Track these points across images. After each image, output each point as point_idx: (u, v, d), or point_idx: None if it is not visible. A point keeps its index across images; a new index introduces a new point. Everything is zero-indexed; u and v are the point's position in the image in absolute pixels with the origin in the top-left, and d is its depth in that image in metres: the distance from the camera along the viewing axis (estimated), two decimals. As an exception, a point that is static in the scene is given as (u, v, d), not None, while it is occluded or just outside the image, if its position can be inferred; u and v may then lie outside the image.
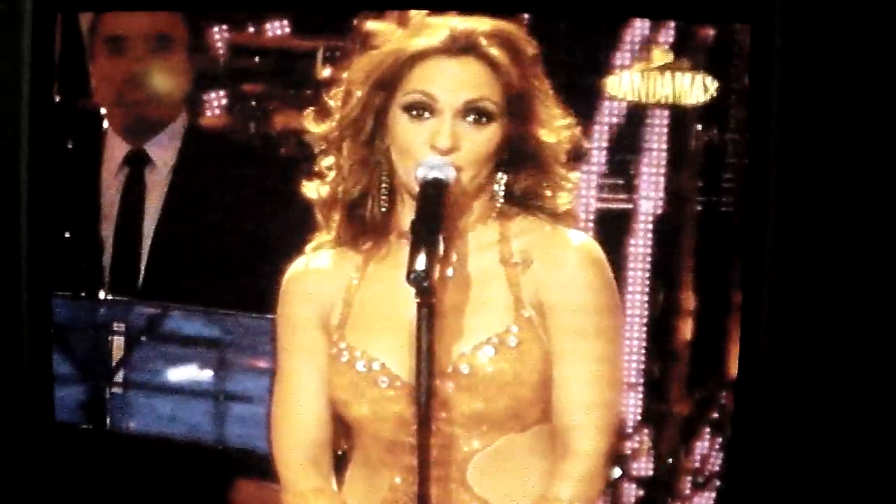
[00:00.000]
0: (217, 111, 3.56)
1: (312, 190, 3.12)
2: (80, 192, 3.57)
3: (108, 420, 3.57)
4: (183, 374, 3.52)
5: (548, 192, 3.06)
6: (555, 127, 3.05)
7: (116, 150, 3.60)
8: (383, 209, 3.05)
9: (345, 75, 3.08)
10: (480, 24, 3.01)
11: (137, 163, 3.60)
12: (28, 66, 3.36)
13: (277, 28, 3.49)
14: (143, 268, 3.57)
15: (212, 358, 3.50)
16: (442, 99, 2.98)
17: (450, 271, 3.04)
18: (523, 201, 3.06)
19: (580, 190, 3.16)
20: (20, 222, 3.39)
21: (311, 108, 3.11)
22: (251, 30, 3.51)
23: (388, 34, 3.03)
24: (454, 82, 2.98)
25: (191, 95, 3.56)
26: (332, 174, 3.08)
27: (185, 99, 3.56)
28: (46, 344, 3.45)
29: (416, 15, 3.05)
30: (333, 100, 3.08)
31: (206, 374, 3.51)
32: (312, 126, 3.10)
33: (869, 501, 3.32)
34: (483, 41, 2.99)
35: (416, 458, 2.89)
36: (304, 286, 3.12)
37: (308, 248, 3.14)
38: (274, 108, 3.49)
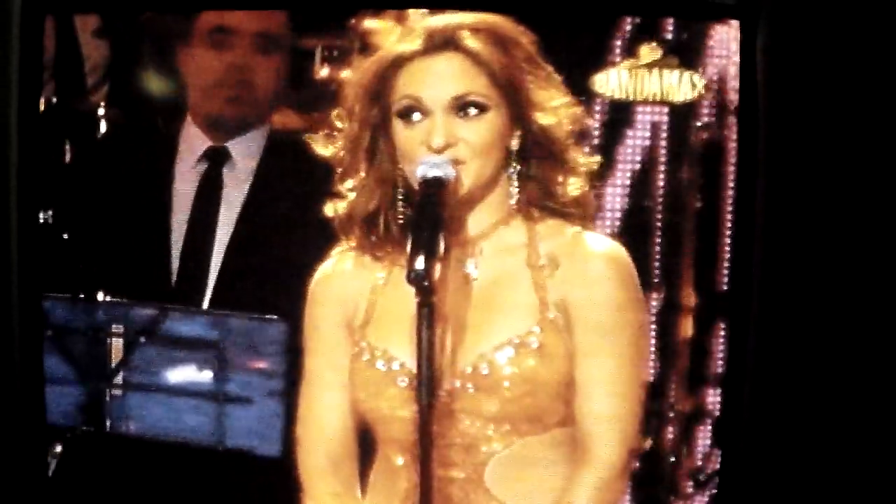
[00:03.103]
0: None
1: (330, 210, 3.12)
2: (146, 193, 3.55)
3: (107, 422, 3.56)
4: (182, 375, 3.51)
5: (559, 179, 3.06)
6: (550, 108, 3.05)
7: (196, 145, 3.54)
8: (401, 219, 3.06)
9: (343, 91, 3.09)
10: (458, 18, 3.01)
11: (217, 160, 3.55)
12: (17, 67, 3.36)
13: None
14: (211, 273, 3.53)
15: (211, 359, 3.49)
16: (428, 99, 2.98)
17: (473, 273, 3.04)
18: (541, 199, 3.05)
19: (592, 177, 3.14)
20: (10, 225, 3.38)
21: (320, 132, 3.11)
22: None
23: (385, 35, 3.04)
24: (437, 80, 2.98)
25: (282, 99, 3.50)
26: (351, 195, 3.08)
27: (277, 102, 3.50)
28: (37, 347, 3.44)
29: (411, 16, 3.05)
30: (339, 120, 3.09)
31: (206, 376, 3.50)
32: (321, 149, 3.10)
33: (864, 497, 3.33)
34: (461, 34, 2.99)
35: (419, 456, 2.90)
36: (329, 288, 3.13)
37: (334, 251, 3.15)
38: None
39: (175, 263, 3.52)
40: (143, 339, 3.51)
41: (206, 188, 3.53)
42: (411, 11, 3.04)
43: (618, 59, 3.37)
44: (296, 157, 3.36)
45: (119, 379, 3.53)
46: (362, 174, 3.07)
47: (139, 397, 3.52)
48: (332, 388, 3.10)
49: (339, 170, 3.10)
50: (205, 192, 3.53)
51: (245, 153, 3.52)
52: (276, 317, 3.36)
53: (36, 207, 3.44)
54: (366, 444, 3.15)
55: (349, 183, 3.09)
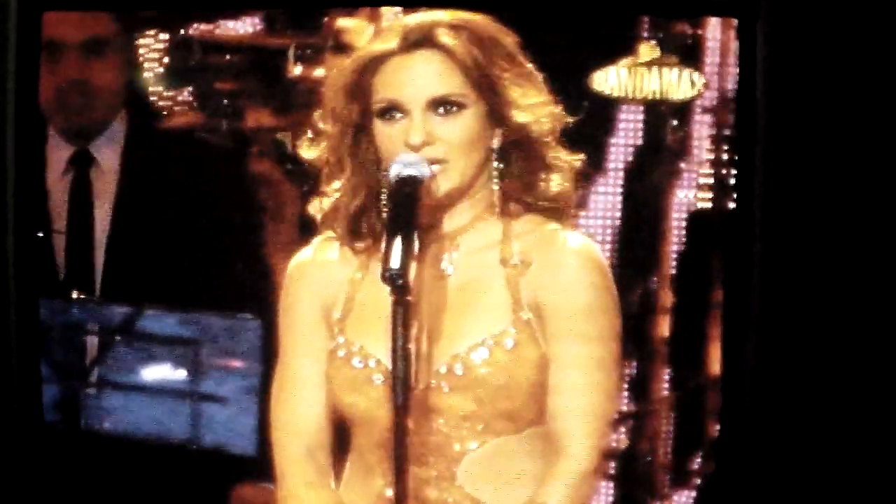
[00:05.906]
0: (183, 109, 3.57)
1: (316, 207, 3.10)
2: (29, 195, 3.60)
3: (81, 420, 3.57)
4: (156, 374, 3.51)
5: (541, 176, 3.04)
6: (526, 106, 3.00)
7: (61, 151, 3.61)
8: (383, 216, 3.05)
9: (323, 92, 3.08)
10: (435, 16, 2.99)
11: (82, 164, 3.61)
12: (14, 66, 3.37)
13: (249, 25, 3.50)
14: (98, 269, 3.58)
15: (185, 358, 3.49)
16: (406, 98, 2.96)
17: (449, 270, 3.03)
18: (522, 195, 3.04)
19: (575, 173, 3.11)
20: (7, 225, 3.40)
21: (306, 135, 3.11)
22: (221, 27, 3.52)
23: (358, 34, 3.04)
24: (415, 79, 2.96)
25: (130, 96, 3.58)
26: (336, 195, 3.06)
27: (125, 100, 3.59)
28: (35, 347, 3.45)
29: (384, 15, 3.05)
30: (321, 121, 3.07)
31: (180, 375, 3.51)
32: (306, 153, 3.10)
33: (853, 498, 3.31)
34: (437, 31, 2.97)
35: (393, 456, 2.89)
36: (309, 274, 3.09)
37: (315, 239, 3.11)
38: (242, 105, 3.50)
39: (61, 262, 3.59)
40: (117, 338, 3.53)
41: (76, 192, 3.58)
42: (385, 10, 3.04)
43: (617, 57, 3.37)
44: (158, 147, 3.43)
45: (93, 377, 3.55)
46: (347, 173, 3.06)
47: (113, 396, 3.54)
48: (310, 375, 3.06)
49: (325, 171, 3.08)
50: (76, 196, 3.58)
51: (107, 152, 3.57)
52: (250, 316, 3.37)
53: (33, 208, 3.46)
54: (342, 435, 3.12)
55: (336, 184, 3.08)
